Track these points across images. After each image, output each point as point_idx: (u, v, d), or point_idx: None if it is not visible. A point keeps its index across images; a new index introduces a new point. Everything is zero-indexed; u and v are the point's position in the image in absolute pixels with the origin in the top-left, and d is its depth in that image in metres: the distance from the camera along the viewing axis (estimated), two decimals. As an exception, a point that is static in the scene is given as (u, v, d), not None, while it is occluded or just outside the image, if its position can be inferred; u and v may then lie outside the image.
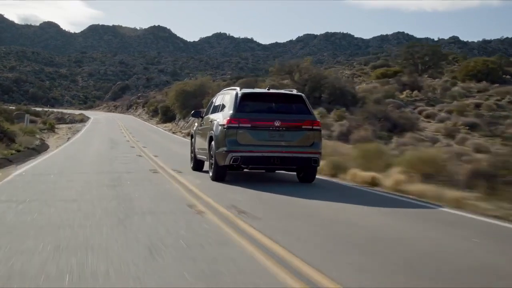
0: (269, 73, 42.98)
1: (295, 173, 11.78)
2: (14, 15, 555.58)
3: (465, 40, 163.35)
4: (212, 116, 12.10)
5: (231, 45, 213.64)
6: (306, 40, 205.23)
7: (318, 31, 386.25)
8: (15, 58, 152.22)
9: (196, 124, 14.44)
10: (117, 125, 47.07)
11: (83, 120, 58.13)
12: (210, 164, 11.48)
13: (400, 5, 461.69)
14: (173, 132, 38.15)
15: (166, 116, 53.64)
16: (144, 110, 74.39)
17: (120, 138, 29.16)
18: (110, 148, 20.97)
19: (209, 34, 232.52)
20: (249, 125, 10.76)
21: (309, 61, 36.97)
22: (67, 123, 51.89)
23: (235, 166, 11.07)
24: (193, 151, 13.75)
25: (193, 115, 14.60)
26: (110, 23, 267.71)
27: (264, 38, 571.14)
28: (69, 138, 29.71)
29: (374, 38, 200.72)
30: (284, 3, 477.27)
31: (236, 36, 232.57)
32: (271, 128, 10.77)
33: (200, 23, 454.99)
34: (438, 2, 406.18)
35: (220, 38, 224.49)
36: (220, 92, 13.31)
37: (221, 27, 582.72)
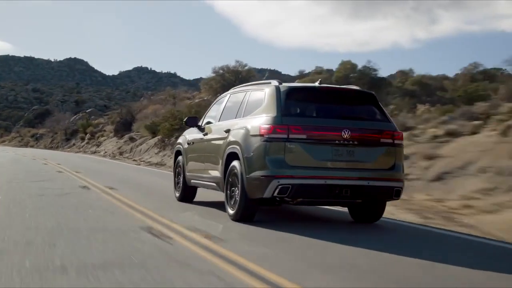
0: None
1: (344, 207, 7.64)
2: None
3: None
4: (226, 123, 7.56)
5: (153, 79, 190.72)
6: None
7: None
8: None
9: (185, 136, 9.31)
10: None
11: None
12: (228, 197, 7.04)
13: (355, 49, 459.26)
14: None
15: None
16: (136, 142, 34.13)
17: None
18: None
19: (130, 68, 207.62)
20: (304, 136, 6.40)
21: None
22: None
23: (277, 200, 6.56)
24: (179, 174, 9.10)
25: (187, 123, 9.17)
26: (21, 54, 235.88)
27: (188, 73, 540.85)
28: None
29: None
30: (207, 39, 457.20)
31: (158, 70, 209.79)
32: (336, 142, 6.43)
33: (120, 56, 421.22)
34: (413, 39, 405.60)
35: (141, 72, 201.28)
36: (234, 90, 8.35)
37: (142, 61, 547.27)
